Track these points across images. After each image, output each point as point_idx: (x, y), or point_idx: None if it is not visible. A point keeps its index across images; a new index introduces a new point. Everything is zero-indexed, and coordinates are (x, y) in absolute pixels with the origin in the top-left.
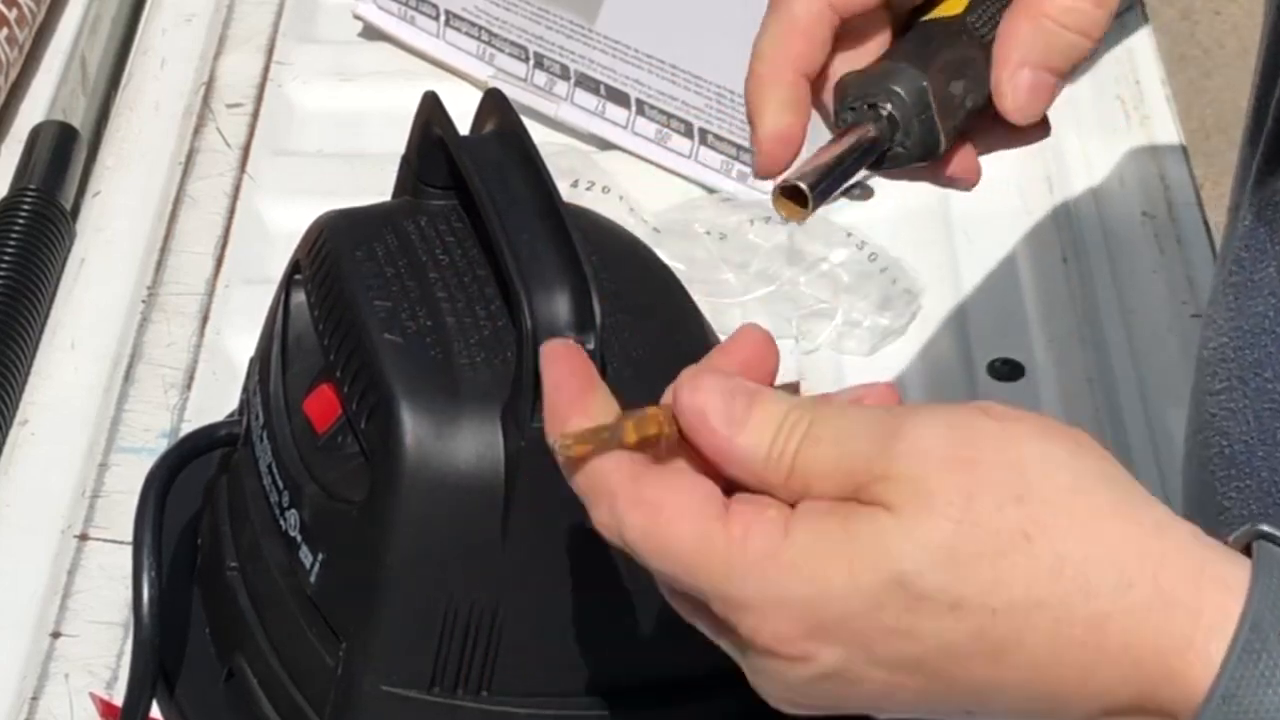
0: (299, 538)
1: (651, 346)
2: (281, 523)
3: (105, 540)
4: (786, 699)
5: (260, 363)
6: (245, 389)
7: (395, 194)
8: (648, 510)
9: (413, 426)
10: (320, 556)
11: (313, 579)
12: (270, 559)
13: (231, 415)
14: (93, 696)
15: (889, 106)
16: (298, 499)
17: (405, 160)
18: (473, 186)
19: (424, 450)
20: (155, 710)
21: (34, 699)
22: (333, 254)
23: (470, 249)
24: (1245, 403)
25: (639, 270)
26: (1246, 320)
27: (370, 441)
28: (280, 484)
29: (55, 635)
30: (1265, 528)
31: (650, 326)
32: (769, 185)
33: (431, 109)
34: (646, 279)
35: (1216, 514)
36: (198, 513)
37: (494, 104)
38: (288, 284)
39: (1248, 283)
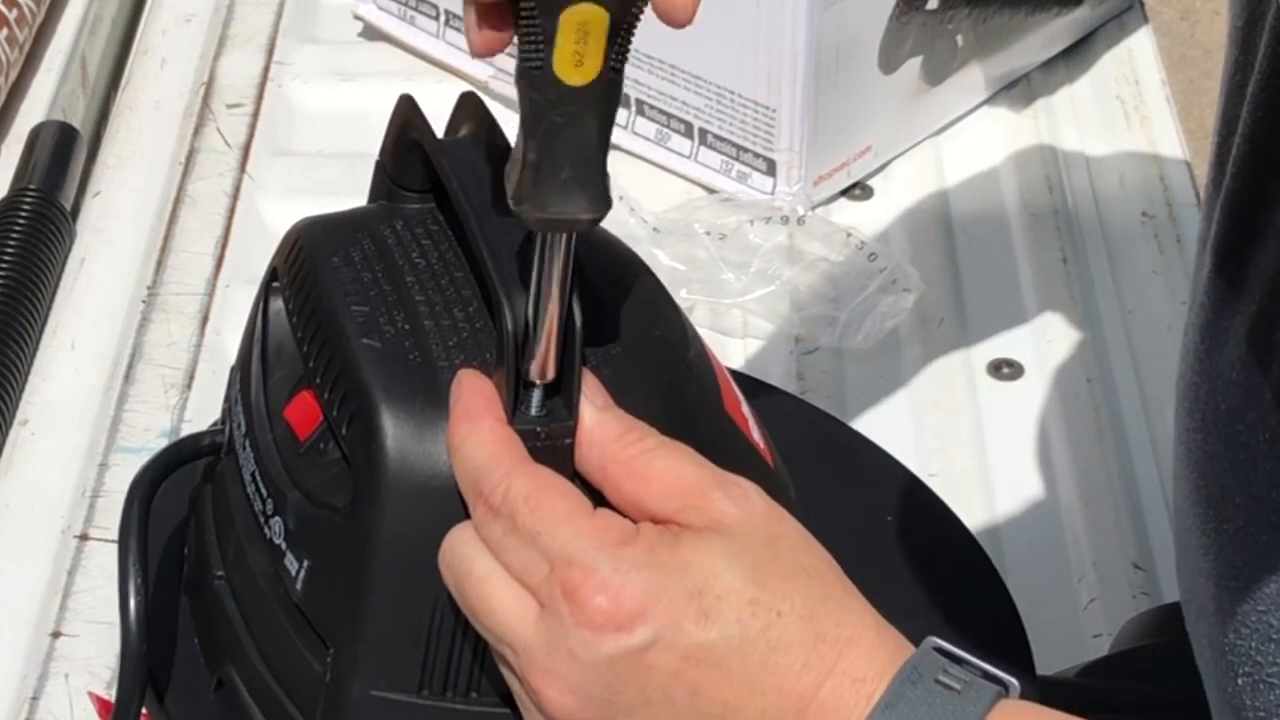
0: (284, 545)
1: (630, 344)
2: (266, 530)
3: (105, 540)
4: (569, 691)
5: (241, 371)
6: (227, 397)
7: (370, 198)
8: (537, 479)
9: (393, 430)
10: (305, 563)
11: (299, 586)
12: (256, 567)
13: (215, 424)
14: (91, 695)
15: None
16: (281, 506)
17: (380, 164)
18: (450, 190)
19: (405, 454)
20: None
21: (34, 699)
22: (309, 261)
23: (446, 252)
24: (1220, 449)
25: (616, 268)
26: (1215, 366)
27: (352, 447)
28: (264, 492)
29: (55, 635)
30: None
31: (629, 324)
32: (769, 185)
33: (407, 112)
34: (624, 276)
35: (1202, 552)
36: (185, 520)
37: (469, 107)
38: (266, 291)
39: (1212, 327)
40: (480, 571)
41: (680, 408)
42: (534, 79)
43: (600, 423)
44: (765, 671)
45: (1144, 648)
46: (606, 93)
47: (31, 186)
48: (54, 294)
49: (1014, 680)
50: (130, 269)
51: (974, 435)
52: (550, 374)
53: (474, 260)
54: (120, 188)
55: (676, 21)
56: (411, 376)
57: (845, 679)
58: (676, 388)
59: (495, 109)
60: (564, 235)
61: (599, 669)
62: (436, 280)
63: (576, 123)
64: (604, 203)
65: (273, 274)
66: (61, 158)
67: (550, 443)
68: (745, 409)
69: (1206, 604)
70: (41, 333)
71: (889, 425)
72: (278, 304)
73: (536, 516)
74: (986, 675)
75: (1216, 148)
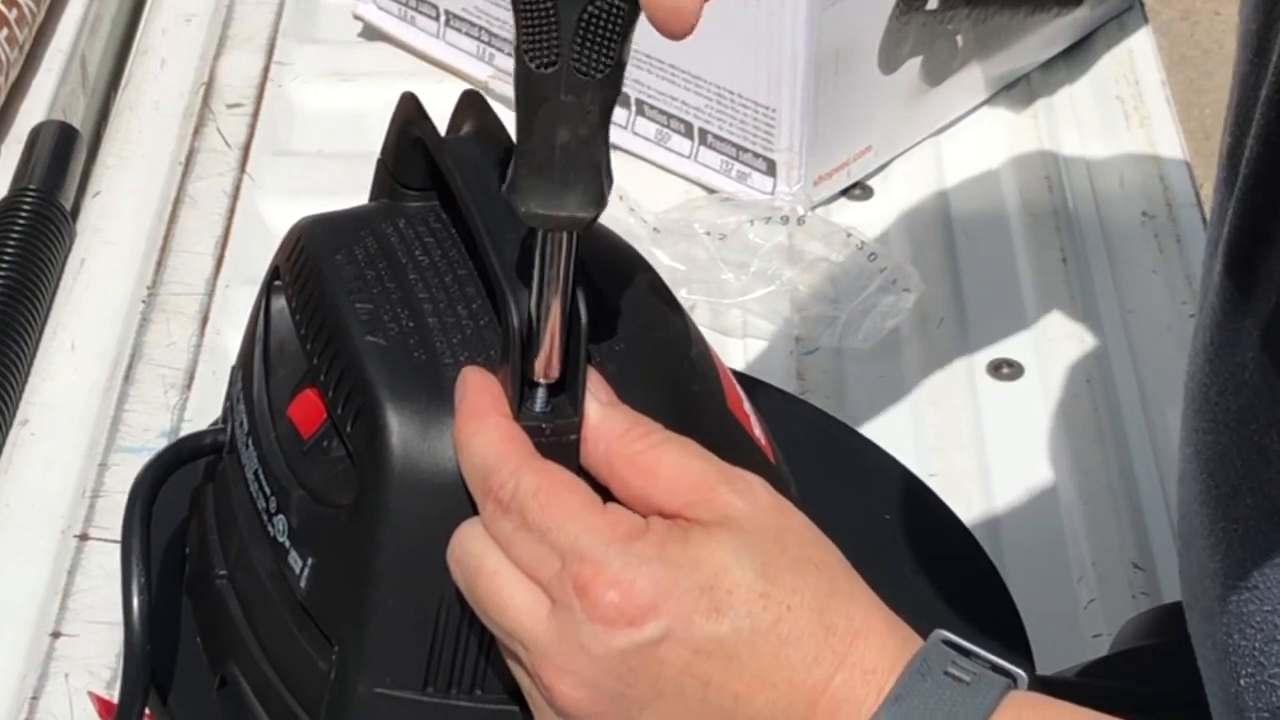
0: (287, 543)
1: (633, 341)
2: (270, 529)
3: (105, 540)
4: (581, 685)
5: (243, 369)
6: (229, 396)
7: (372, 196)
8: (546, 475)
9: (398, 428)
10: (310, 561)
11: (303, 584)
12: (259, 566)
13: (215, 423)
14: (91, 695)
15: None
16: (285, 504)
17: (382, 162)
18: (454, 188)
19: (410, 451)
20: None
21: (34, 699)
22: (312, 258)
23: (449, 249)
24: (1233, 448)
25: (619, 266)
26: (1226, 367)
27: (356, 444)
28: (267, 490)
29: (55, 635)
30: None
31: (632, 321)
32: (769, 185)
33: (410, 110)
34: (627, 275)
35: (1209, 553)
36: (186, 519)
37: (471, 105)
38: (268, 289)
39: (1222, 329)
40: (490, 567)
41: (684, 404)
42: (543, 76)
43: (605, 418)
44: (776, 664)
45: (1144, 648)
46: (609, 87)
47: (31, 186)
48: (54, 294)
49: (1022, 672)
50: (130, 269)
51: (974, 435)
52: (555, 371)
53: (478, 257)
54: (120, 188)
55: (674, 33)
56: (416, 374)
57: (856, 671)
58: (680, 385)
59: (496, 109)
60: (565, 232)
61: (611, 663)
62: (440, 278)
63: (578, 118)
64: (601, 200)
65: (275, 272)
66: (61, 158)
67: (556, 439)
68: (747, 407)
69: (1212, 605)
70: (41, 333)
71: (889, 425)
72: (280, 303)
73: (546, 512)
74: (995, 667)
75: (1229, 149)
